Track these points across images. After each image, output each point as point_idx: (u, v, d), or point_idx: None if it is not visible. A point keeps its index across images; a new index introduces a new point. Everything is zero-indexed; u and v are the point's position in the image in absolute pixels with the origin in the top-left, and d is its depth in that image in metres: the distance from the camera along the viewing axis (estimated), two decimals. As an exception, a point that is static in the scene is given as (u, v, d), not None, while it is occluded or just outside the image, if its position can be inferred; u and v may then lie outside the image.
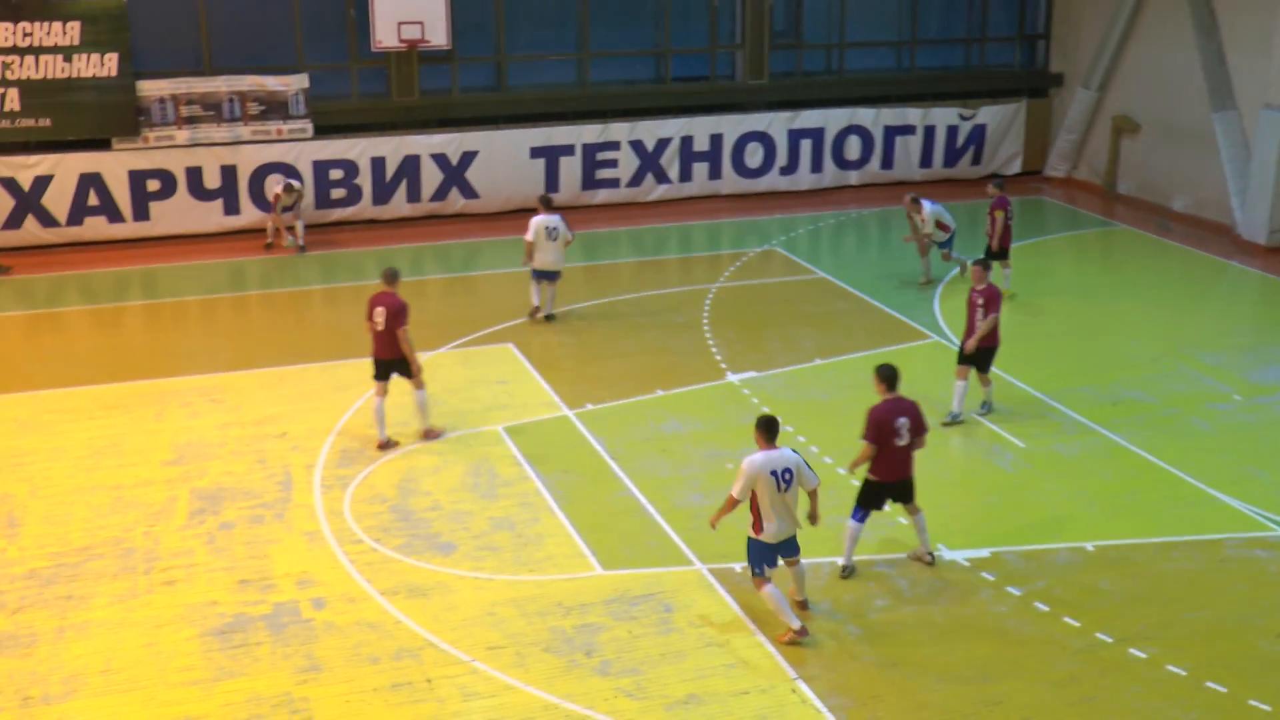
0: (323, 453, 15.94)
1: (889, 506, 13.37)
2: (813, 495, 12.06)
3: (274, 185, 25.02)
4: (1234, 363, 19.13)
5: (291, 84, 25.89)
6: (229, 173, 25.75)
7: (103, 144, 25.14)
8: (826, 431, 16.55)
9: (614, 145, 28.07)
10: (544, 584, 12.96)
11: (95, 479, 15.22)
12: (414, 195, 27.06)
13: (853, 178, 30.01)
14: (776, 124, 29.08)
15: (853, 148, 29.77)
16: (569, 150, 27.74)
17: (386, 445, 16.02)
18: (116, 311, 21.94)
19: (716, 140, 28.77)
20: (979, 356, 16.82)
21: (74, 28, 24.25)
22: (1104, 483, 15.35)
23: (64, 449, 16.05)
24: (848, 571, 13.15)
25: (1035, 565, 13.39)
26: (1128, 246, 25.89)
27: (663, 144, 28.40)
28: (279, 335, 20.51)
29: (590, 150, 27.91)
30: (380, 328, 15.79)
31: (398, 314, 15.74)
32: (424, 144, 26.85)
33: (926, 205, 22.22)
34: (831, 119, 29.45)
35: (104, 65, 24.57)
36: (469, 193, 27.34)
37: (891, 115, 29.81)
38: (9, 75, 24.09)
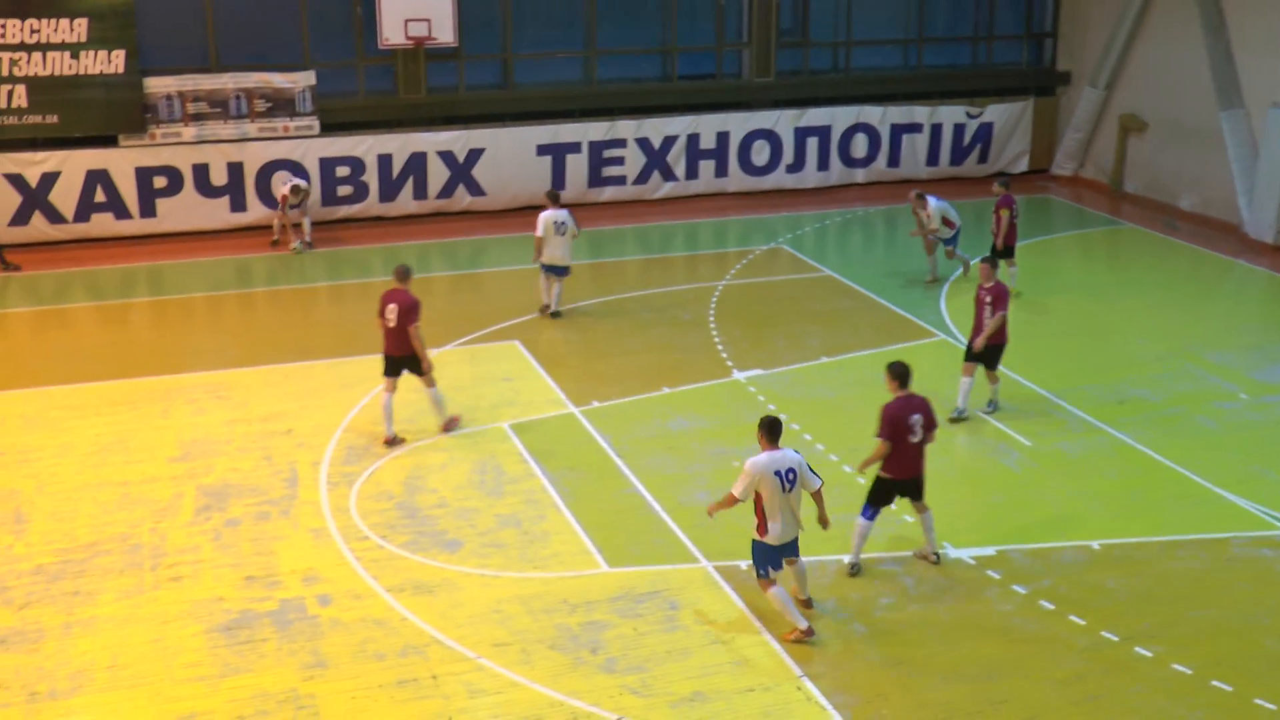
0: (329, 449, 15.95)
1: (894, 504, 13.37)
2: (817, 497, 12.02)
3: (281, 187, 25.03)
4: (1240, 361, 19.10)
5: (298, 81, 25.91)
6: (235, 170, 25.78)
7: (110, 141, 25.18)
8: (832, 429, 16.55)
9: (620, 143, 28.09)
10: (550, 581, 12.97)
11: (102, 475, 15.25)
12: (420, 192, 27.08)
13: (859, 176, 30.01)
14: (783, 122, 29.08)
15: (859, 146, 29.76)
16: (575, 148, 27.76)
17: (393, 441, 16.04)
18: (123, 308, 21.97)
19: (723, 138, 28.78)
20: (987, 354, 16.82)
21: (81, 24, 24.29)
22: (1110, 481, 15.34)
23: (71, 445, 16.08)
24: (855, 569, 13.15)
25: (1041, 564, 13.38)
26: (1134, 245, 25.86)
27: (669, 142, 28.40)
28: (285, 332, 20.53)
29: (597, 148, 27.92)
30: (392, 324, 15.82)
31: (409, 311, 15.77)
32: (431, 141, 26.87)
33: (932, 201, 22.21)
34: (838, 117, 29.45)
35: (111, 62, 24.61)
36: (475, 190, 27.36)
37: (898, 113, 29.80)
38: (16, 72, 24.13)
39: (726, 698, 11.10)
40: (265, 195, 25.91)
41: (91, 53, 24.48)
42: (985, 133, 30.50)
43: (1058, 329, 20.58)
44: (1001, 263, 20.72)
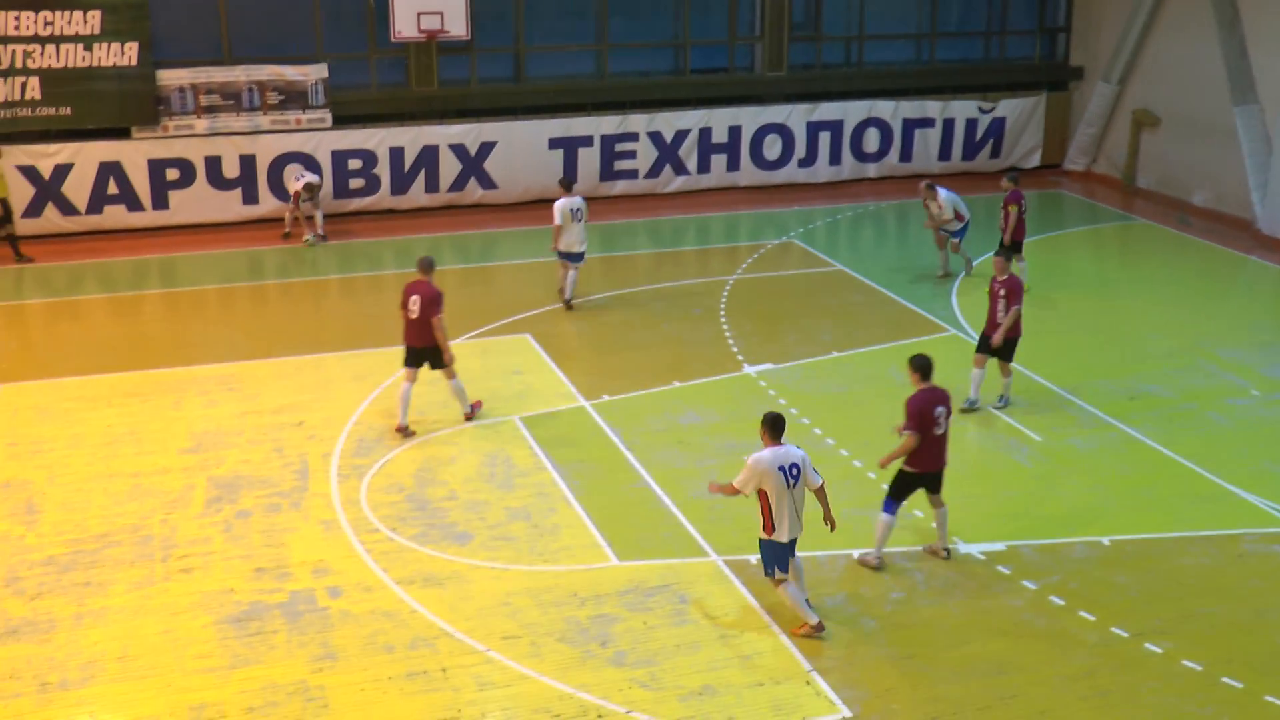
0: (339, 442, 15.98)
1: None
2: (820, 495, 11.96)
3: (294, 183, 25.04)
4: (1253, 358, 19.05)
5: (310, 74, 25.93)
6: (248, 162, 25.81)
7: (122, 133, 25.22)
8: (843, 424, 16.53)
9: (632, 136, 28.08)
10: (559, 574, 12.97)
11: (113, 466, 15.28)
12: (432, 185, 27.09)
13: (871, 170, 29.97)
14: (795, 116, 29.04)
15: (871, 140, 29.72)
16: (587, 141, 27.75)
17: (404, 430, 16.07)
18: (135, 300, 22.02)
19: (735, 132, 28.74)
20: (1002, 346, 16.82)
21: (94, 17, 24.33)
22: (1121, 477, 15.31)
23: (82, 436, 16.12)
24: (880, 564, 13.10)
25: (1051, 559, 13.36)
26: (1147, 241, 25.79)
27: (681, 135, 28.38)
28: (297, 324, 20.56)
29: (609, 141, 27.91)
30: (414, 315, 15.88)
31: (432, 302, 15.82)
32: (442, 134, 26.88)
33: (942, 192, 22.16)
34: (850, 111, 29.41)
35: (124, 54, 24.65)
36: (487, 183, 27.37)
37: (911, 108, 29.75)
38: (30, 64, 24.18)
39: (736, 692, 11.10)
40: (277, 188, 25.93)
41: (104, 45, 24.52)
42: (998, 128, 30.43)
43: (1069, 324, 20.54)
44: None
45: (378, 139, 26.53)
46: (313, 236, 24.82)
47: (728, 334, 19.83)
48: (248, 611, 12.26)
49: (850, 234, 26.21)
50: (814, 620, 11.84)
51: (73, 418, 16.67)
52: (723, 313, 20.82)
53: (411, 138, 26.71)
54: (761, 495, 11.63)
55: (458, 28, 26.27)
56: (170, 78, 25.10)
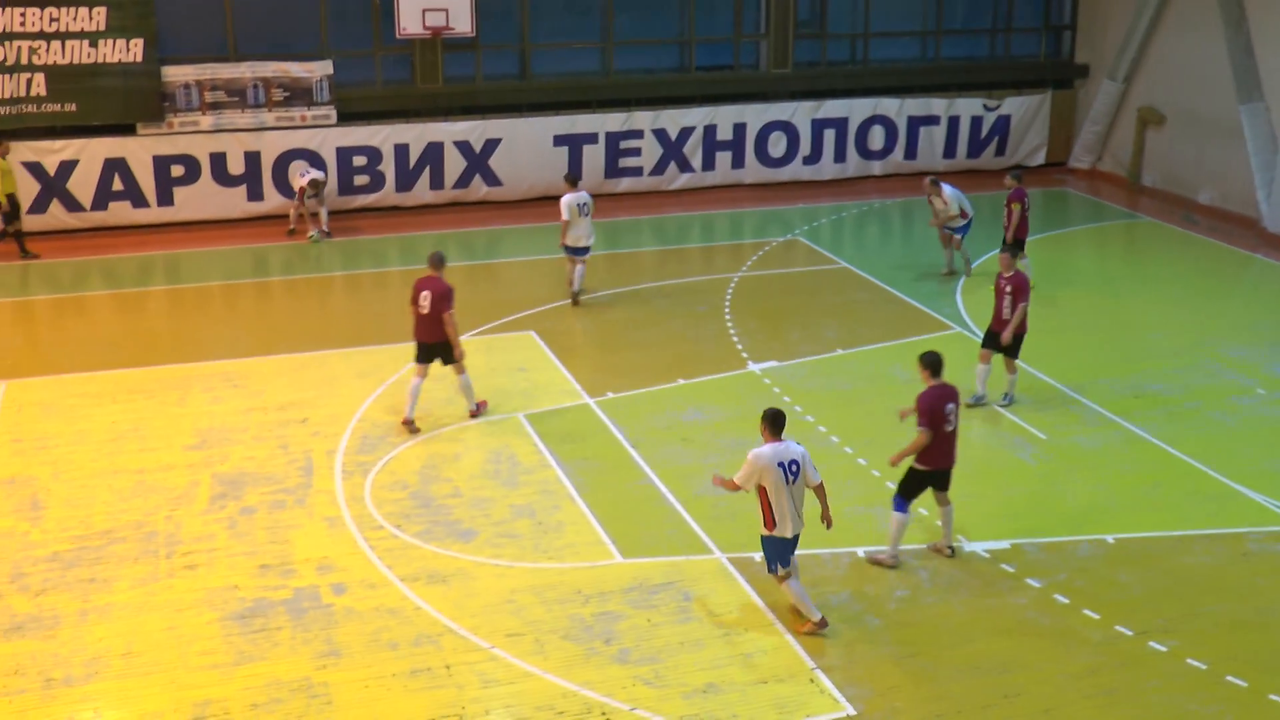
0: (344, 439, 15.98)
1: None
2: (819, 492, 11.94)
3: (299, 179, 25.05)
4: (1258, 356, 19.02)
5: (316, 70, 25.93)
6: (253, 159, 25.83)
7: (128, 129, 25.24)
8: (847, 422, 16.52)
9: (637, 134, 28.08)
10: (564, 571, 12.97)
11: (118, 463, 15.29)
12: (437, 182, 27.10)
13: (876, 168, 29.95)
14: (800, 113, 29.03)
15: (876, 138, 29.70)
16: (592, 138, 27.75)
17: (410, 425, 16.07)
18: (140, 296, 22.04)
19: (740, 129, 28.74)
20: (1008, 344, 16.79)
21: (100, 13, 24.34)
22: (1125, 475, 15.30)
23: (87, 432, 16.13)
24: (896, 562, 13.07)
25: (1056, 557, 13.35)
26: (1152, 239, 25.77)
27: (686, 133, 28.38)
28: (301, 321, 20.57)
29: (614, 138, 27.91)
30: (426, 311, 15.89)
31: (443, 298, 15.84)
32: (447, 131, 26.88)
33: (947, 188, 22.14)
34: (855, 109, 29.40)
35: (129, 50, 24.66)
36: (492, 180, 27.37)
37: (916, 105, 29.73)
38: (35, 60, 24.20)
39: (740, 689, 11.09)
40: (282, 184, 25.95)
41: (110, 41, 24.54)
42: (1003, 125, 30.42)
43: (1074, 322, 20.51)
44: (1015, 256, 20.69)
45: (383, 136, 26.54)
46: (317, 233, 24.83)
47: (732, 331, 19.82)
48: (252, 608, 12.27)
49: (855, 231, 26.20)
50: (817, 617, 11.84)
51: (77, 414, 16.68)
52: (727, 310, 20.81)
53: (416, 134, 26.72)
54: (761, 491, 11.63)
55: (463, 24, 26.26)
56: (175, 74, 25.11)
